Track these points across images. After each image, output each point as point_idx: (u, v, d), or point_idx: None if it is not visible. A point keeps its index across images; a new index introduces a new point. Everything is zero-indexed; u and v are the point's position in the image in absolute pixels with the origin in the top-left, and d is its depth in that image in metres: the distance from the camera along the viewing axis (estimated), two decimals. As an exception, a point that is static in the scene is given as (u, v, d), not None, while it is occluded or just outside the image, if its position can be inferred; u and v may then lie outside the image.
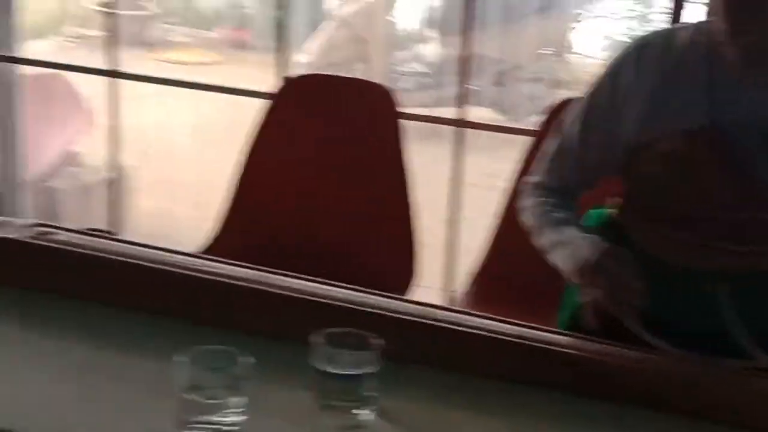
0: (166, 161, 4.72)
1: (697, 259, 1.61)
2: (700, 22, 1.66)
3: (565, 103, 2.29)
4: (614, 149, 1.66)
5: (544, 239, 1.70)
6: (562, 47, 5.75)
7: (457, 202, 3.10)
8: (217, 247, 2.49)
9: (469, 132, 3.21)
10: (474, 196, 3.43)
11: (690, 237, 1.61)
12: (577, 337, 1.59)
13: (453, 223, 3.12)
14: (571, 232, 1.66)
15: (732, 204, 1.58)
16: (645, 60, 1.64)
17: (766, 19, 1.48)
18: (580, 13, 5.74)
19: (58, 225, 1.74)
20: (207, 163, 4.54)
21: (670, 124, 1.60)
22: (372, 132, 2.51)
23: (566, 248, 1.64)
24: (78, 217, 3.77)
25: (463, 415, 1.44)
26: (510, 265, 2.27)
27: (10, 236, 1.62)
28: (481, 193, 3.43)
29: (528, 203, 1.76)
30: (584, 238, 1.64)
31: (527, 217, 1.75)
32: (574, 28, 5.76)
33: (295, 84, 2.64)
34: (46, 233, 1.65)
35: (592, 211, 1.80)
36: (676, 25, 1.69)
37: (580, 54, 6.05)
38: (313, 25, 5.15)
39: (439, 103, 4.98)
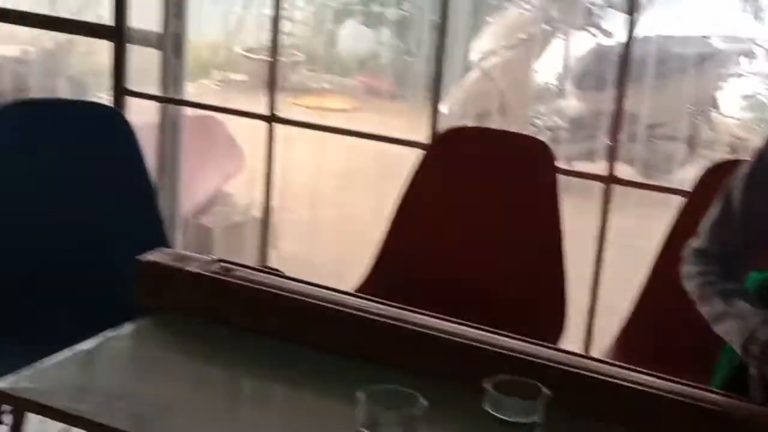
0: (312, 206, 4.85)
1: None
2: None
3: (723, 165, 2.31)
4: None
5: (710, 308, 1.71)
6: (707, 106, 5.69)
7: (601, 259, 3.11)
8: (365, 290, 2.56)
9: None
10: (615, 255, 3.43)
11: None
12: (741, 399, 1.61)
13: (596, 279, 3.13)
14: (739, 304, 1.67)
15: None
16: None
17: None
18: (729, 72, 5.68)
19: (236, 262, 1.84)
20: (351, 209, 4.64)
21: None
22: (528, 185, 2.55)
23: (735, 320, 1.64)
24: (226, 255, 3.90)
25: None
26: (656, 327, 2.27)
27: (199, 270, 1.72)
28: (623, 252, 3.43)
29: (692, 270, 1.77)
30: (755, 312, 1.64)
31: (691, 284, 1.76)
32: (722, 87, 5.69)
33: (450, 135, 2.72)
34: (229, 269, 1.75)
35: (754, 275, 1.81)
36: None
37: (725, 114, 5.97)
38: (457, 76, 5.24)
39: (576, 158, 5.01)
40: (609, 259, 3.22)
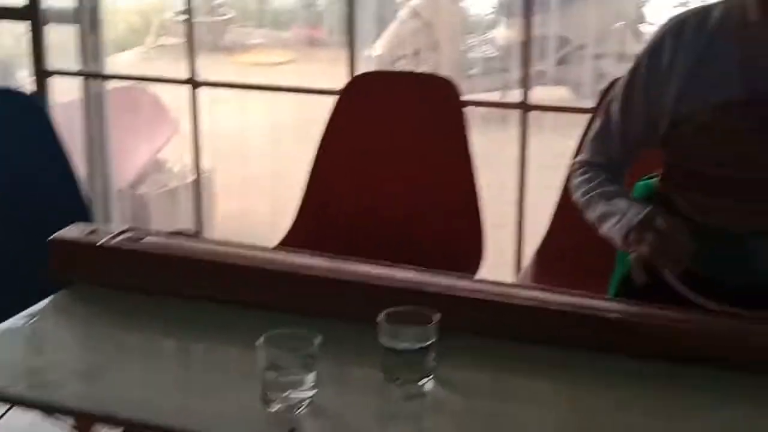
0: (245, 162, 4.91)
1: (737, 219, 1.72)
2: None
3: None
4: (656, 124, 1.77)
5: (594, 213, 1.81)
6: (634, 21, 5.75)
7: (523, 183, 3.20)
8: (293, 238, 2.65)
9: (540, 114, 3.29)
10: (544, 177, 3.51)
11: (730, 200, 1.71)
12: (621, 302, 1.71)
13: (520, 204, 3.22)
14: (620, 203, 1.77)
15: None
16: (682, 38, 1.74)
17: None
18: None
19: (145, 229, 1.91)
20: (282, 161, 4.71)
21: (707, 97, 1.70)
22: (436, 122, 2.63)
23: (616, 216, 1.74)
24: (166, 221, 3.97)
25: (513, 378, 1.58)
26: (569, 241, 2.37)
27: (102, 242, 1.80)
28: (551, 173, 3.51)
29: (577, 181, 1.87)
30: (633, 205, 1.74)
31: (577, 194, 1.86)
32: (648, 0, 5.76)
33: (361, 81, 2.78)
34: (135, 238, 1.82)
35: (638, 183, 1.90)
36: (710, 3, 1.78)
37: (654, 24, 6.06)
38: (384, 18, 5.27)
39: (509, 86, 5.07)
40: (542, 181, 3.31)
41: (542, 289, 1.74)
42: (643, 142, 1.83)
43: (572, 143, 2.48)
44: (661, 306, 1.66)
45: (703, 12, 1.76)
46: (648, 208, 1.70)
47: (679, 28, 1.75)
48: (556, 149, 4.10)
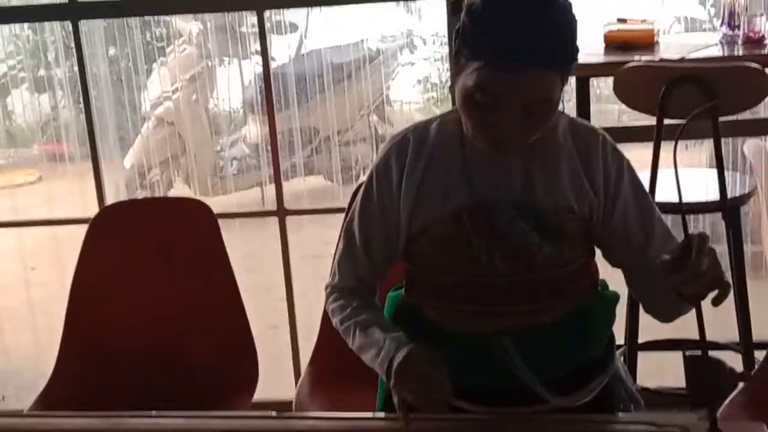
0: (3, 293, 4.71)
1: (481, 323, 1.80)
2: (448, 113, 1.85)
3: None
4: (395, 240, 1.83)
5: (353, 343, 1.83)
6: (379, 104, 5.95)
7: (290, 284, 3.24)
8: (58, 381, 2.55)
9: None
10: (312, 266, 3.58)
11: (471, 305, 1.80)
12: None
13: (290, 306, 3.25)
14: (375, 333, 1.79)
15: (502, 270, 1.77)
16: (406, 154, 1.81)
17: (500, 117, 1.66)
18: (395, 67, 5.98)
19: None
20: (39, 290, 4.57)
21: (438, 210, 1.78)
22: (192, 244, 2.62)
23: (373, 350, 1.77)
24: None
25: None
26: (338, 353, 2.40)
27: None
28: (318, 262, 3.58)
29: (331, 307, 1.90)
30: (387, 337, 1.77)
31: (334, 321, 1.89)
32: (390, 83, 5.99)
33: (111, 210, 2.75)
34: None
35: (389, 294, 1.96)
36: (429, 118, 1.88)
37: (400, 102, 6.31)
38: (131, 128, 5.21)
39: (265, 182, 5.14)
40: (305, 273, 3.37)
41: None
42: (387, 258, 1.87)
43: (331, 231, 2.50)
44: (426, 417, 1.71)
45: (421, 127, 1.84)
46: (404, 349, 1.72)
47: (401, 146, 1.82)
48: (320, 238, 4.18)
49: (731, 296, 1.59)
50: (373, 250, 1.86)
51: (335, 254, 1.93)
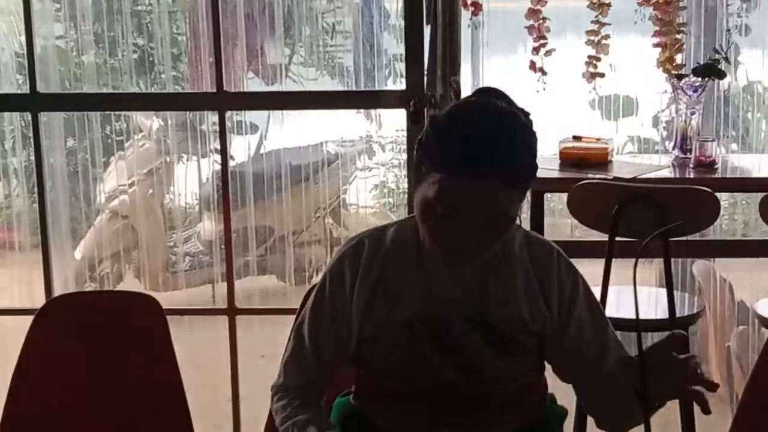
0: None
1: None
2: (404, 220, 1.87)
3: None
4: (345, 344, 1.82)
5: None
6: (336, 206, 5.98)
7: (236, 384, 3.21)
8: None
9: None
10: (259, 367, 3.53)
11: (421, 414, 1.78)
12: None
13: (235, 405, 3.22)
14: None
15: (453, 381, 1.76)
16: (360, 259, 1.82)
17: (458, 229, 1.68)
18: (353, 171, 6.03)
19: None
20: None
21: (390, 317, 1.78)
22: (138, 339, 2.59)
23: None
24: None
25: None
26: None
27: None
28: (264, 363, 3.54)
29: (275, 407, 1.88)
30: None
31: (276, 420, 1.87)
32: (347, 186, 6.03)
33: (54, 305, 2.70)
34: None
35: (337, 401, 1.94)
36: (385, 224, 1.90)
37: (356, 205, 6.34)
38: (84, 220, 5.18)
39: (217, 279, 5.10)
40: (252, 375, 3.33)
41: None
42: (336, 362, 1.86)
43: (282, 331, 2.48)
44: None
45: (378, 233, 1.86)
46: None
47: (356, 250, 1.83)
48: (270, 339, 4.14)
49: (677, 413, 1.61)
50: (322, 353, 1.85)
51: (284, 355, 1.92)
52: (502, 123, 1.66)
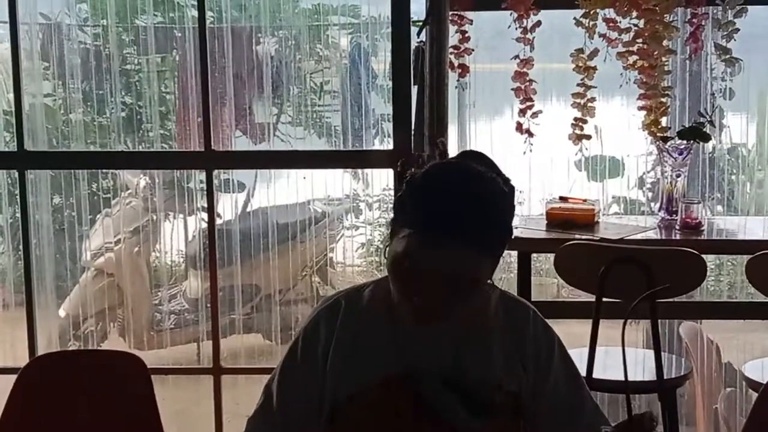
0: None
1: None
2: (381, 279, 1.86)
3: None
4: (317, 405, 1.80)
5: None
6: (321, 265, 5.97)
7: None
8: None
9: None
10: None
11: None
12: None
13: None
14: None
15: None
16: (336, 320, 1.80)
17: (422, 286, 1.68)
18: (339, 229, 6.02)
19: None
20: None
21: (366, 376, 1.76)
22: (122, 400, 2.56)
23: None
24: None
25: None
26: None
27: None
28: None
29: None
30: None
31: None
32: (333, 245, 6.02)
33: (38, 364, 2.68)
34: None
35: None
36: (361, 284, 1.89)
37: (343, 264, 6.33)
38: (69, 277, 5.15)
39: (202, 338, 5.07)
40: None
41: None
42: (304, 424, 1.83)
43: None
44: None
45: (354, 293, 1.85)
46: None
47: (332, 310, 1.81)
48: (255, 398, 4.11)
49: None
50: (290, 414, 1.82)
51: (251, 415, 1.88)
52: (475, 185, 1.66)
